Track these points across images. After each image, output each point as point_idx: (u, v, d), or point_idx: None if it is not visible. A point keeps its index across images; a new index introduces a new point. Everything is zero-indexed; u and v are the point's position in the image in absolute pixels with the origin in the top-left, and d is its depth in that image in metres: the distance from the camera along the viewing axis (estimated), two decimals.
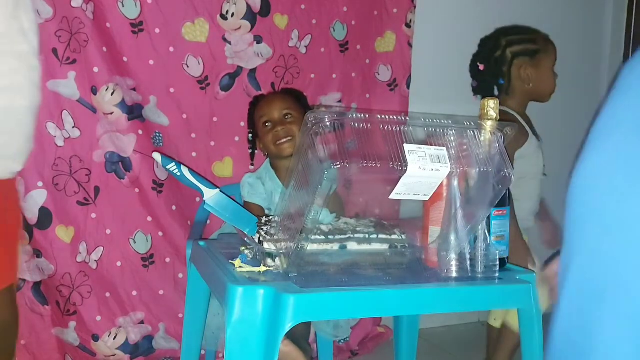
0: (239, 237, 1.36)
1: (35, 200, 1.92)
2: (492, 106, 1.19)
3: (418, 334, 1.77)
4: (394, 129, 1.05)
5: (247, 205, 1.70)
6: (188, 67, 2.05)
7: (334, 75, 2.29)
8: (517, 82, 1.99)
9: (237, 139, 2.15)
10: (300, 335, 1.61)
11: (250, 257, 1.21)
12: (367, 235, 1.21)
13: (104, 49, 1.92)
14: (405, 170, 1.03)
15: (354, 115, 1.03)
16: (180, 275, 2.09)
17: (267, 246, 1.16)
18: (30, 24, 1.38)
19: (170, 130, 2.06)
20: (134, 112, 2.00)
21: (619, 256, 0.55)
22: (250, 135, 1.81)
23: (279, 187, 1.73)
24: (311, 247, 1.12)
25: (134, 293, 2.04)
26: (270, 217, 1.26)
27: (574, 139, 3.17)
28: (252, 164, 1.90)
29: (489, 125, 1.16)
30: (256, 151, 1.85)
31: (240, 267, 1.16)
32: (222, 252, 1.29)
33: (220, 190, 1.34)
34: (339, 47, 2.28)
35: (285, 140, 1.69)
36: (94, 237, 2.00)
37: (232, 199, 1.38)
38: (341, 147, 0.99)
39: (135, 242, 2.04)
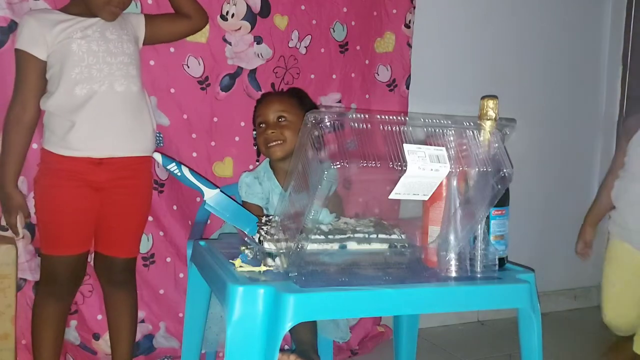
0: (239, 237, 1.37)
1: None
2: (491, 106, 1.19)
3: (417, 333, 1.77)
4: (394, 129, 1.06)
5: (245, 206, 1.70)
6: (188, 67, 2.06)
7: (334, 76, 2.29)
8: None
9: (237, 139, 2.15)
10: (309, 346, 1.62)
11: (251, 256, 1.22)
12: (366, 235, 1.21)
13: None
14: (405, 170, 1.04)
15: (354, 116, 1.03)
16: (181, 275, 2.09)
17: (267, 246, 1.17)
18: None
19: (171, 130, 2.06)
20: None
21: None
22: (255, 132, 1.82)
23: (276, 187, 1.73)
24: (311, 246, 1.13)
25: None
26: (271, 217, 1.27)
27: (572, 138, 3.18)
28: (257, 161, 1.90)
29: (488, 125, 1.17)
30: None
31: (241, 266, 1.16)
32: (223, 252, 1.30)
33: (221, 190, 1.34)
34: (338, 48, 2.28)
35: (275, 143, 1.69)
36: None
37: (233, 199, 1.38)
38: (341, 147, 0.99)
39: None
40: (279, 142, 1.69)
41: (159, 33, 1.88)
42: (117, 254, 1.81)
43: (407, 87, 2.42)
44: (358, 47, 2.33)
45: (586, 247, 2.41)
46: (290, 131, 1.69)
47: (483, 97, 1.21)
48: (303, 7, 2.20)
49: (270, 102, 1.77)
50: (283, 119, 1.71)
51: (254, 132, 1.81)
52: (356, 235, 1.20)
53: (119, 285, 1.84)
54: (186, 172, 1.34)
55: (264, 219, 1.26)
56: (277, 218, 1.23)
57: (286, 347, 2.01)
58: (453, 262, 1.17)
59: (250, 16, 2.12)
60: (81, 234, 1.75)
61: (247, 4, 2.11)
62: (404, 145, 1.05)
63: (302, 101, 1.81)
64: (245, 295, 1.03)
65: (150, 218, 2.04)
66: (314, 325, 1.67)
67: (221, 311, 1.65)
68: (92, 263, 1.90)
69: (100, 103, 1.67)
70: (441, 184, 1.13)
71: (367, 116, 1.04)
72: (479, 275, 1.18)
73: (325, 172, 0.98)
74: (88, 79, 1.66)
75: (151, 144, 1.81)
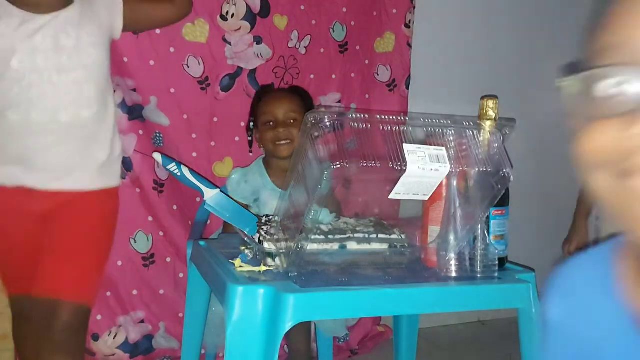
0: (239, 237, 1.37)
1: None
2: (491, 106, 1.19)
3: (418, 333, 1.77)
4: (394, 129, 1.06)
5: None
6: (188, 67, 2.06)
7: (334, 76, 2.29)
8: None
9: (237, 139, 2.15)
10: (303, 355, 1.62)
11: (251, 256, 1.22)
12: (366, 235, 1.21)
13: None
14: (405, 170, 1.04)
15: (354, 116, 1.03)
16: (181, 275, 2.09)
17: (267, 246, 1.17)
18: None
19: (171, 130, 2.06)
20: (134, 112, 2.00)
21: None
22: (252, 124, 1.81)
23: (268, 184, 1.74)
24: (311, 246, 1.13)
25: (135, 292, 2.04)
26: (271, 217, 1.27)
27: (573, 138, 3.19)
28: (250, 152, 1.90)
29: (488, 125, 1.17)
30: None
31: (241, 266, 1.16)
32: (222, 252, 1.29)
33: (221, 190, 1.34)
34: (338, 48, 2.28)
35: (284, 142, 1.69)
36: None
37: (232, 199, 1.38)
38: (341, 147, 0.99)
39: (135, 242, 2.04)
40: (288, 141, 1.69)
41: (139, 18, 1.65)
42: (62, 295, 1.36)
43: (407, 87, 2.42)
44: (358, 47, 2.33)
45: (578, 247, 2.22)
46: (297, 130, 1.69)
47: (483, 97, 1.21)
48: (302, 7, 2.20)
49: (280, 100, 1.75)
50: (293, 119, 1.71)
51: (251, 124, 1.80)
52: (356, 235, 1.20)
53: (58, 351, 1.33)
54: (186, 172, 1.33)
55: (264, 219, 1.26)
56: (277, 218, 1.23)
57: (285, 347, 2.01)
58: (453, 262, 1.17)
59: (250, 16, 2.12)
60: (22, 269, 1.47)
61: (247, 4, 2.11)
62: (404, 145, 1.05)
63: (304, 100, 1.82)
64: (245, 295, 1.03)
65: (150, 218, 2.04)
66: (308, 333, 1.68)
67: (221, 311, 1.65)
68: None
69: (35, 136, 1.38)
70: (441, 184, 1.13)
71: (366, 116, 1.04)
72: (479, 275, 1.18)
73: (325, 172, 0.98)
74: (25, 103, 1.35)
75: (103, 175, 1.52)
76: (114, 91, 1.71)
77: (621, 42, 0.43)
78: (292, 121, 1.71)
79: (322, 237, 1.17)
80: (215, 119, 2.12)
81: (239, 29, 2.11)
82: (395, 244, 1.23)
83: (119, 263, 2.03)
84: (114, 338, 2.03)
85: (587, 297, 0.54)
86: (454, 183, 1.15)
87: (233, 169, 1.81)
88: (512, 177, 1.11)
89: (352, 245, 1.19)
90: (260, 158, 1.81)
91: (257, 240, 1.20)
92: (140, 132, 2.01)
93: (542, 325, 0.60)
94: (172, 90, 2.04)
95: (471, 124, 1.15)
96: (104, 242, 1.54)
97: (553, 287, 0.60)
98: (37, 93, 1.36)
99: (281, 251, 1.15)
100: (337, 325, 1.84)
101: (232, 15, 2.10)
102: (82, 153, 1.47)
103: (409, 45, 2.41)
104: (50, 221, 1.45)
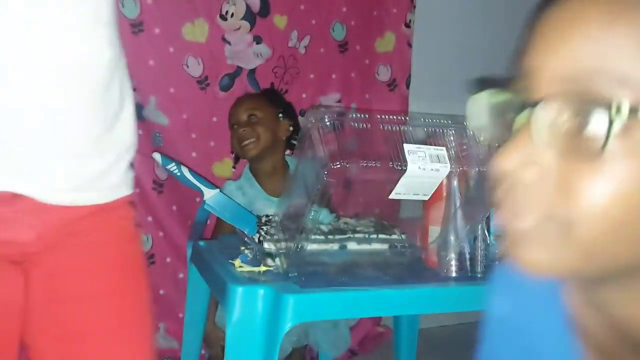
0: (239, 237, 1.37)
1: None
2: None
3: (418, 333, 1.77)
4: (394, 128, 1.06)
5: None
6: (188, 67, 2.05)
7: (334, 76, 2.29)
8: None
9: None
10: None
11: (250, 257, 1.21)
12: (367, 235, 1.21)
13: None
14: (405, 170, 1.03)
15: (354, 115, 1.03)
16: (181, 275, 2.08)
17: (267, 246, 1.16)
18: None
19: (170, 130, 2.06)
20: None
21: None
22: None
23: (260, 193, 1.73)
24: (311, 247, 1.12)
25: None
26: (270, 217, 1.26)
27: None
28: (234, 167, 1.90)
29: None
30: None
31: (240, 267, 1.15)
32: (222, 252, 1.29)
33: (220, 190, 1.34)
34: (338, 47, 2.28)
35: (248, 141, 1.69)
36: None
37: (232, 199, 1.38)
38: (341, 147, 0.99)
39: None
40: (252, 139, 1.69)
41: None
42: None
43: (407, 87, 2.42)
44: (358, 47, 2.32)
45: None
46: (262, 127, 1.70)
47: None
48: (302, 7, 2.20)
49: (239, 102, 1.79)
50: (253, 116, 1.72)
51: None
52: (356, 235, 1.20)
53: None
54: (186, 172, 1.33)
55: (263, 219, 1.26)
56: (276, 218, 1.22)
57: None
58: (453, 262, 1.17)
59: (250, 16, 2.11)
60: None
61: (247, 4, 2.10)
62: (404, 145, 1.05)
63: (272, 99, 1.82)
64: (245, 296, 1.03)
65: (149, 218, 2.04)
66: None
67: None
68: None
69: (20, 91, 0.76)
70: (441, 184, 1.13)
71: (367, 116, 1.03)
72: (479, 276, 1.18)
73: (325, 172, 0.97)
74: None
75: (126, 177, 0.92)
76: None
77: (529, 71, 0.44)
78: (252, 119, 1.71)
79: (322, 237, 1.17)
80: (215, 119, 2.11)
81: (239, 28, 2.11)
82: (396, 244, 1.23)
83: None
84: None
85: (532, 293, 0.53)
86: (455, 183, 1.14)
87: (226, 182, 1.80)
88: None
89: (352, 246, 1.19)
90: (246, 169, 1.80)
91: (257, 241, 1.19)
92: (140, 132, 1.96)
93: (485, 319, 0.59)
94: (172, 90, 2.04)
95: None
96: (144, 288, 0.94)
97: (499, 281, 0.59)
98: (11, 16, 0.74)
99: (281, 251, 1.15)
100: (339, 345, 1.83)
101: (232, 15, 2.09)
102: (101, 128, 0.84)
103: (409, 45, 2.41)
104: (42, 256, 0.83)
